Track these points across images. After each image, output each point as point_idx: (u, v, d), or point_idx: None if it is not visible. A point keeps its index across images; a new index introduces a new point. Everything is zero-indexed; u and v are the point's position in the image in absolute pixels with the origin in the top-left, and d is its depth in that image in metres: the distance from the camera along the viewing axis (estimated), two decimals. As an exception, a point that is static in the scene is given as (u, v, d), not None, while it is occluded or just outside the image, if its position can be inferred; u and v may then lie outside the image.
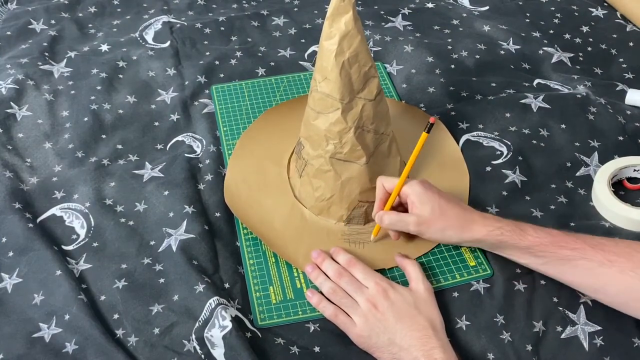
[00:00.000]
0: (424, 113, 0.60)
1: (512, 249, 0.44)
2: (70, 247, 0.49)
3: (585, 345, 0.43)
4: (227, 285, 0.46)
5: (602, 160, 0.56)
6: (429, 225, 0.45)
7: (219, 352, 0.42)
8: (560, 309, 0.44)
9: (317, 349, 0.43)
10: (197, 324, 0.43)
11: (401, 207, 0.48)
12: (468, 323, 0.44)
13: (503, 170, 0.54)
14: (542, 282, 0.46)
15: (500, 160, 0.55)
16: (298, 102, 0.60)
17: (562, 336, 0.43)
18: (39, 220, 0.50)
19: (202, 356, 0.42)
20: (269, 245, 0.48)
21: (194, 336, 0.43)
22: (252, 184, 0.53)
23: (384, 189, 0.47)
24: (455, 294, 0.46)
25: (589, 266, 0.41)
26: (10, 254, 0.48)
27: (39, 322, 0.43)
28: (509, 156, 0.56)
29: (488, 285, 0.46)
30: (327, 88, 0.46)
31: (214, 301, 0.44)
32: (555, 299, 0.45)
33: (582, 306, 0.44)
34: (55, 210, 0.51)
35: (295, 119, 0.55)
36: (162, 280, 0.46)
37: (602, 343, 0.43)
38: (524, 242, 0.43)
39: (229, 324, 0.42)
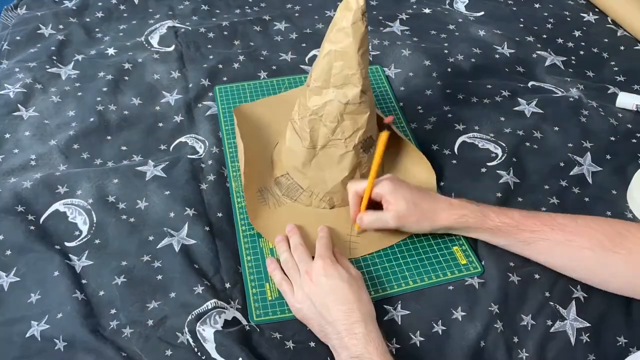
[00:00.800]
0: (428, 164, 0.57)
1: (478, 232, 0.47)
2: (72, 244, 0.49)
3: (572, 340, 0.43)
4: (227, 285, 0.47)
5: (596, 160, 0.57)
6: (406, 219, 0.47)
7: (210, 346, 0.43)
8: (552, 303, 0.45)
9: (312, 344, 0.44)
10: (189, 317, 0.44)
11: (376, 204, 0.49)
12: (464, 313, 0.45)
13: (498, 171, 0.55)
14: (536, 276, 0.47)
15: (494, 162, 0.56)
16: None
17: (551, 330, 0.44)
18: (42, 218, 0.51)
19: (195, 349, 0.43)
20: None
21: (186, 329, 0.43)
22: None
23: (356, 194, 0.49)
24: (451, 287, 0.47)
25: (549, 246, 0.44)
26: (8, 252, 0.48)
27: (31, 320, 0.44)
28: (503, 158, 0.57)
29: (482, 281, 0.47)
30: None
31: (211, 303, 0.45)
32: (547, 294, 0.46)
33: (573, 302, 0.45)
34: (58, 206, 0.52)
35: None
36: (160, 277, 0.47)
37: (588, 340, 0.43)
38: (487, 226, 0.46)
39: (220, 327, 0.43)
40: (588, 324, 0.44)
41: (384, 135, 0.46)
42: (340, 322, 0.41)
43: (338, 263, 0.45)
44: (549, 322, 0.44)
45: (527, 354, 0.43)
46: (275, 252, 0.49)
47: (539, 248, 0.45)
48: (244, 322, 0.45)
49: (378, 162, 0.47)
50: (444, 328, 0.44)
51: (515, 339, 0.44)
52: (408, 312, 0.46)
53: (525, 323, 0.44)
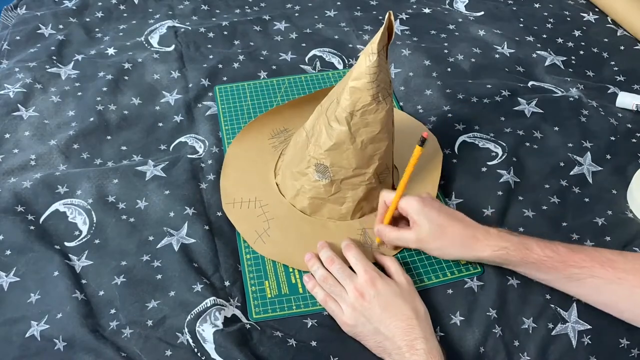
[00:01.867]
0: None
1: (518, 267, 0.44)
2: (72, 244, 0.49)
3: (574, 343, 0.43)
4: (227, 283, 0.47)
5: (596, 160, 0.57)
6: (429, 243, 0.45)
7: (210, 346, 0.43)
8: (552, 306, 0.45)
9: (314, 343, 0.44)
10: (189, 317, 0.44)
11: (404, 219, 0.48)
12: (462, 318, 0.45)
13: (498, 171, 0.55)
14: (536, 278, 0.47)
15: (495, 162, 0.56)
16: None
17: (552, 333, 0.44)
18: (42, 218, 0.51)
19: (195, 349, 0.43)
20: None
21: (186, 329, 0.44)
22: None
23: (385, 204, 0.48)
24: (450, 291, 0.47)
25: (598, 284, 0.42)
26: (8, 252, 0.48)
27: (31, 320, 0.44)
28: (503, 157, 0.57)
29: (481, 283, 0.47)
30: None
31: (210, 301, 0.45)
32: (547, 296, 0.46)
33: (574, 304, 0.45)
34: (58, 206, 0.52)
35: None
36: (159, 277, 0.47)
37: (590, 342, 0.43)
38: (530, 260, 0.43)
39: (220, 324, 0.43)
40: (589, 327, 0.44)
41: (417, 151, 0.45)
42: (400, 337, 0.41)
43: (382, 275, 0.44)
44: (550, 325, 0.44)
45: (528, 358, 0.43)
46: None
47: (586, 285, 0.42)
48: (244, 319, 0.45)
49: (408, 176, 0.46)
50: (442, 334, 0.44)
51: (516, 343, 0.43)
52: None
53: (526, 326, 0.44)
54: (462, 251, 0.45)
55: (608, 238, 0.50)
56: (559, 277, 0.43)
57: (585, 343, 0.43)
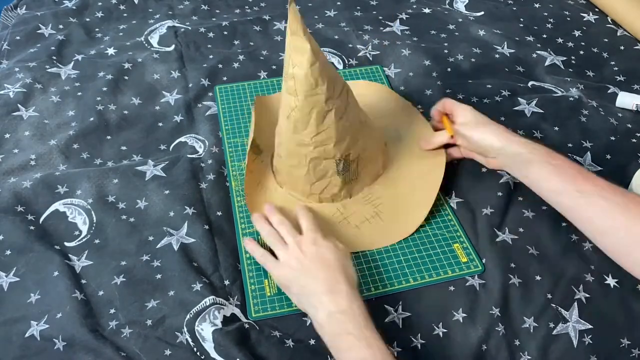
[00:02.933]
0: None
1: (541, 166, 0.46)
2: (72, 244, 0.50)
3: (575, 342, 0.43)
4: (226, 282, 0.47)
5: (596, 160, 0.57)
6: (470, 129, 0.51)
7: (209, 345, 0.43)
8: (554, 305, 0.45)
9: (312, 341, 0.44)
10: (188, 316, 0.44)
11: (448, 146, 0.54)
12: (464, 315, 0.45)
13: (499, 172, 0.55)
14: (538, 277, 0.47)
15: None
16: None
17: (554, 332, 0.44)
18: (41, 218, 0.51)
19: (194, 349, 0.43)
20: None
21: (185, 329, 0.44)
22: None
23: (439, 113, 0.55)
24: (452, 288, 0.47)
25: (604, 206, 0.42)
26: (8, 252, 0.48)
27: (31, 320, 0.44)
28: (504, 157, 0.57)
29: (483, 281, 0.47)
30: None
31: (209, 300, 0.45)
32: (549, 295, 0.46)
33: (575, 303, 0.45)
34: (58, 206, 0.52)
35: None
36: (159, 276, 0.47)
37: (591, 342, 0.43)
38: (553, 161, 0.45)
39: (219, 323, 0.43)
40: (590, 326, 0.44)
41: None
42: (323, 282, 0.42)
43: (326, 238, 0.46)
44: (551, 325, 0.44)
45: (529, 357, 0.43)
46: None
47: (591, 204, 0.42)
48: (243, 319, 0.45)
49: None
50: (445, 330, 0.44)
51: (517, 342, 0.44)
52: (409, 314, 0.46)
53: (527, 325, 0.44)
54: (500, 140, 0.49)
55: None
56: (571, 189, 0.44)
57: (586, 343, 0.43)
